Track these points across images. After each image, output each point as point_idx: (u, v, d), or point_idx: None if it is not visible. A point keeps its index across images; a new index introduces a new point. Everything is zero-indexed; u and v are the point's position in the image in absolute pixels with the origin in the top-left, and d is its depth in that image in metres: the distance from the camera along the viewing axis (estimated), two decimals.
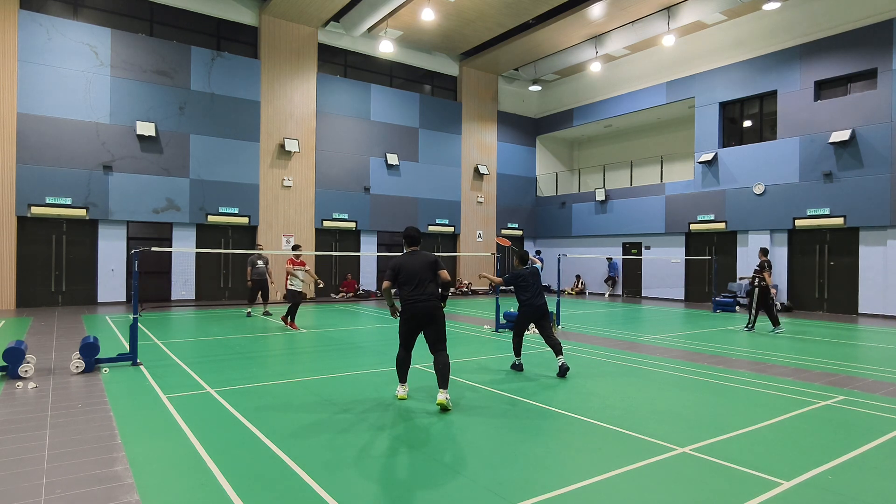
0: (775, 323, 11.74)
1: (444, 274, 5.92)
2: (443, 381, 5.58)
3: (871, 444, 4.66)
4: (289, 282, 11.45)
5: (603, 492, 3.67)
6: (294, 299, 11.42)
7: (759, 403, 5.95)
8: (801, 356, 8.96)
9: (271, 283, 13.84)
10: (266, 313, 13.80)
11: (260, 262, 13.52)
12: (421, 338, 6.02)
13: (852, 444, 4.66)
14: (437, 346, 5.76)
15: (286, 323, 11.43)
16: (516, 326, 7.66)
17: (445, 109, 22.58)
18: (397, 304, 5.94)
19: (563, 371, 7.11)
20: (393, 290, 5.84)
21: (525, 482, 3.81)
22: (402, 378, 5.99)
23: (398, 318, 5.90)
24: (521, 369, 7.50)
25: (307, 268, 11.85)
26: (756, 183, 17.56)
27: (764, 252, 12.28)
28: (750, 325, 12.02)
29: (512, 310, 12.30)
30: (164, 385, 6.46)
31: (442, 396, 5.50)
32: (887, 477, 3.99)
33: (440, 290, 5.90)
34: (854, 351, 9.60)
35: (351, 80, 20.28)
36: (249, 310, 13.87)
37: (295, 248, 11.72)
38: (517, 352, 7.58)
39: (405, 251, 6.07)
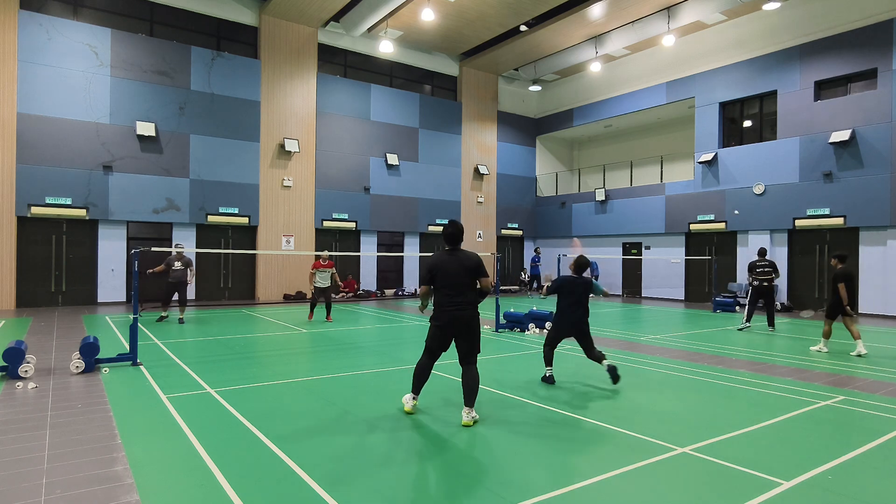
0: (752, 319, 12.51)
1: (487, 283, 5.32)
2: (470, 399, 5.05)
3: (871, 444, 4.66)
4: (313, 282, 12.93)
5: (603, 492, 3.67)
6: (314, 297, 12.97)
7: (759, 403, 5.95)
8: (801, 356, 8.96)
9: (191, 277, 12.64)
10: (181, 321, 12.33)
11: (178, 264, 12.21)
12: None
13: (852, 444, 4.66)
14: (469, 358, 5.21)
15: (310, 317, 13.00)
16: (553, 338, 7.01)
17: (445, 109, 22.58)
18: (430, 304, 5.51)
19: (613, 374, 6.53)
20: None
21: (525, 482, 3.80)
22: (416, 389, 5.39)
23: (429, 319, 5.45)
24: (553, 381, 6.85)
25: (333, 270, 13.00)
26: (756, 183, 17.56)
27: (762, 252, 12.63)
28: (746, 322, 12.23)
29: (512, 309, 12.31)
30: (164, 385, 6.46)
31: (467, 417, 5.00)
32: (887, 477, 3.99)
33: (480, 295, 5.35)
34: (854, 351, 9.57)
35: (351, 80, 20.27)
36: (164, 314, 12.58)
37: (320, 252, 13.20)
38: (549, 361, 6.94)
39: (445, 248, 5.39)
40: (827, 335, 9.40)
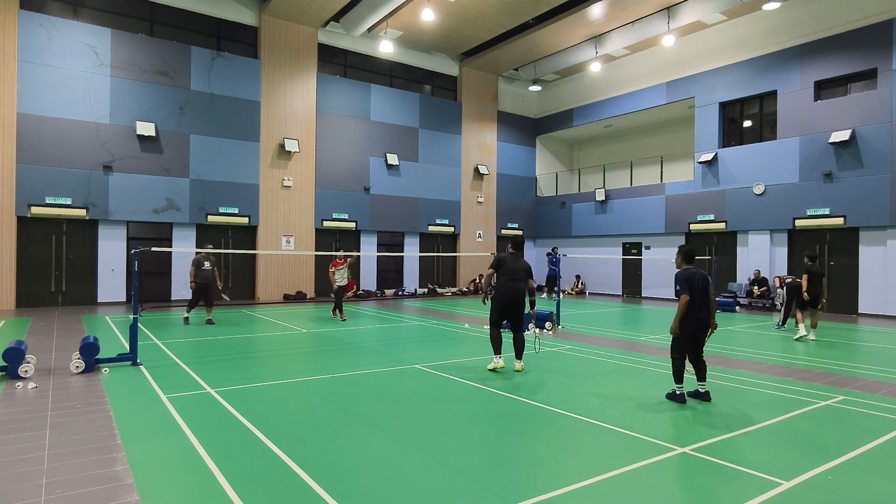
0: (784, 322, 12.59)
1: (532, 283, 7.59)
2: (519, 354, 7.45)
3: (871, 444, 4.67)
4: (334, 281, 13.41)
5: (603, 492, 3.67)
6: (336, 294, 13.46)
7: (759, 403, 5.95)
8: (801, 356, 8.96)
9: (219, 285, 12.65)
10: (209, 321, 12.26)
11: (207, 265, 12.03)
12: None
13: (852, 444, 4.66)
14: (518, 327, 7.51)
15: (334, 314, 13.48)
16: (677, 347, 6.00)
17: (445, 109, 22.58)
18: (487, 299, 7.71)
19: (699, 396, 5.94)
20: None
21: (525, 482, 3.81)
22: (498, 351, 7.37)
23: (488, 304, 7.64)
24: (684, 400, 5.91)
25: (343, 267, 13.44)
26: (756, 183, 17.56)
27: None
28: (793, 326, 12.14)
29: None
30: (164, 385, 6.46)
31: (519, 364, 7.38)
32: (887, 477, 3.99)
33: (528, 292, 7.53)
34: (854, 351, 9.59)
35: (351, 80, 20.27)
36: (188, 315, 12.32)
37: (338, 251, 13.60)
38: (679, 378, 5.94)
39: (509, 251, 7.67)
40: (814, 324, 10.88)
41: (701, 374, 6.03)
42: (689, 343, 5.97)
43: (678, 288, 5.91)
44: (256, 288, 18.24)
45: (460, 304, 18.13)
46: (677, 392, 5.95)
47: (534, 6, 17.91)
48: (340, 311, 13.35)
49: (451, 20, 19.09)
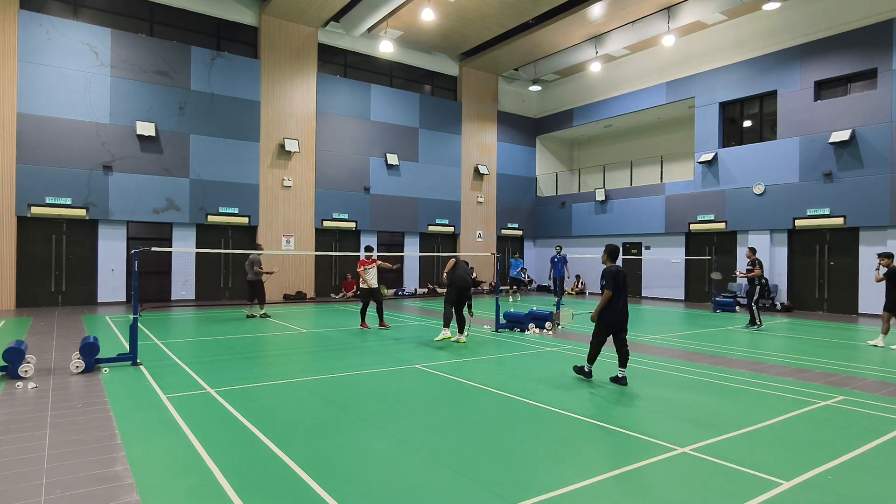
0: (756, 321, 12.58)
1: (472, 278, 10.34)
2: (461, 329, 9.91)
3: (871, 444, 4.67)
4: (360, 282, 11.88)
5: (603, 492, 3.67)
6: (364, 299, 11.92)
7: (759, 403, 5.95)
8: (801, 356, 8.96)
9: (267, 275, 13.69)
10: (264, 315, 13.55)
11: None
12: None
13: (852, 444, 4.66)
14: (460, 310, 9.99)
15: (381, 325, 11.91)
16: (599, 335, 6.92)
17: (445, 109, 22.58)
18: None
19: (618, 381, 6.71)
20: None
21: (525, 482, 3.81)
22: (448, 325, 9.70)
23: (446, 290, 9.88)
24: (591, 376, 6.97)
25: (377, 264, 11.92)
26: (756, 183, 17.56)
27: (752, 251, 12.93)
28: (757, 324, 12.48)
29: (512, 309, 12.27)
30: (164, 385, 6.46)
31: (461, 337, 9.85)
32: (887, 477, 3.99)
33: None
34: (854, 351, 9.59)
35: (351, 80, 20.27)
36: (264, 311, 13.63)
37: (367, 248, 12.27)
38: (592, 359, 6.98)
39: (459, 255, 10.54)
40: (885, 331, 10.04)
41: (623, 361, 6.78)
42: (611, 330, 6.81)
43: (604, 283, 6.80)
44: None
45: None
46: (586, 369, 6.93)
47: (534, 6, 17.90)
48: (381, 318, 11.79)
49: (451, 20, 19.09)
